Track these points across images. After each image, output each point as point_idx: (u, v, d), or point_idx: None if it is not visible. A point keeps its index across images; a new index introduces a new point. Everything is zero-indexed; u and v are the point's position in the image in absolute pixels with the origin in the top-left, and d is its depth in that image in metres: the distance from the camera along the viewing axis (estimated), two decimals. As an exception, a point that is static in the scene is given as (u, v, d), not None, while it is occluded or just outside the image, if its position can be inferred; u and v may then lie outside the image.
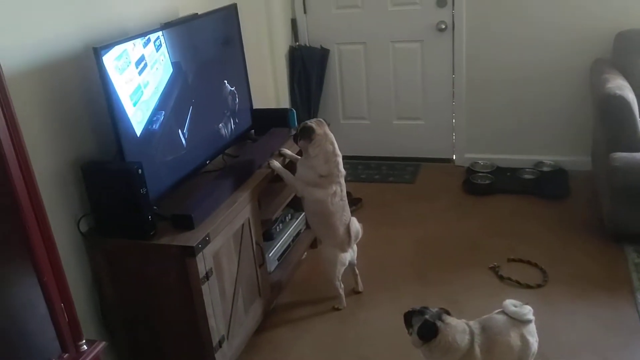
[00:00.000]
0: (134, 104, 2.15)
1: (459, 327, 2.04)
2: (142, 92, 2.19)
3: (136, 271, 2.21)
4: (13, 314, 1.53)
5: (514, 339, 2.02)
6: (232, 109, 2.89)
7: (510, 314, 2.06)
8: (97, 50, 1.97)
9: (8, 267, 1.52)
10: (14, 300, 1.53)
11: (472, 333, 2.03)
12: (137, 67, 2.17)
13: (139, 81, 2.18)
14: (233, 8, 2.89)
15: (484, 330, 2.05)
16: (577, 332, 2.50)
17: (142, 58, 2.20)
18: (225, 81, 2.83)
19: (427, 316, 2.02)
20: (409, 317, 2.08)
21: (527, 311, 2.06)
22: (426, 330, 2.01)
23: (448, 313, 2.09)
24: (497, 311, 2.11)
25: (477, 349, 2.01)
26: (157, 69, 2.29)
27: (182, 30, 2.50)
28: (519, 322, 2.05)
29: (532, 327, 2.08)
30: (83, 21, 2.23)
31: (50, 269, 1.60)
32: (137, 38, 2.18)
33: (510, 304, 2.09)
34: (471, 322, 2.09)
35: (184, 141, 2.48)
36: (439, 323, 2.01)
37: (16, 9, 1.94)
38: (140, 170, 2.02)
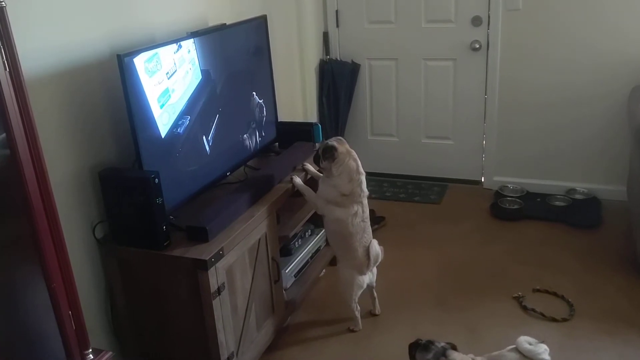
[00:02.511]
0: (161, 106, 2.16)
1: None
2: (169, 95, 2.20)
3: (148, 281, 2.19)
4: (20, 318, 1.52)
5: None
6: (258, 121, 2.87)
7: (523, 352, 1.92)
8: (120, 58, 1.97)
9: (19, 271, 1.51)
10: (22, 305, 1.52)
11: None
12: (166, 71, 2.18)
13: (168, 85, 2.19)
14: (263, 19, 2.87)
15: None
16: (602, 372, 2.39)
17: (172, 63, 2.21)
18: (254, 93, 2.82)
19: (431, 355, 1.95)
20: (413, 351, 2.01)
21: (542, 350, 1.91)
22: None
23: (454, 347, 2.02)
24: (509, 347, 1.98)
25: None
26: (186, 74, 2.29)
27: (212, 40, 2.49)
28: None
29: None
30: (111, 28, 2.23)
31: (60, 276, 1.59)
32: (163, 46, 2.18)
33: (525, 341, 1.94)
34: (478, 358, 1.98)
35: (207, 148, 2.46)
36: (443, 358, 1.94)
37: (42, 13, 1.95)
38: (156, 180, 2.00)
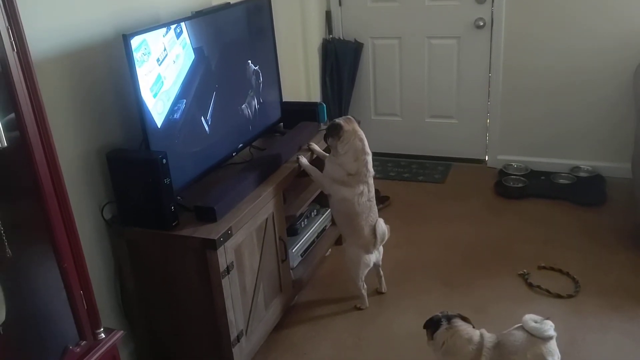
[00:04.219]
0: (154, 95, 2.10)
1: (464, 334, 1.99)
2: (162, 82, 2.13)
3: (157, 261, 2.20)
4: (33, 298, 1.53)
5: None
6: (255, 88, 2.80)
7: (529, 330, 1.93)
8: (126, 38, 1.95)
9: (30, 251, 1.52)
10: (34, 285, 1.53)
11: (480, 345, 1.96)
12: (157, 57, 2.10)
13: (159, 71, 2.12)
14: (266, -2, 2.84)
15: (497, 347, 1.95)
16: (607, 348, 2.40)
17: (161, 47, 2.12)
18: (249, 61, 2.74)
19: (440, 315, 2.06)
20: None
21: (548, 327, 1.92)
22: (429, 323, 2.06)
23: (466, 320, 2.06)
24: (516, 326, 1.99)
25: None
26: (178, 56, 2.21)
27: (211, 19, 2.44)
28: (539, 339, 1.91)
29: (553, 344, 1.93)
30: (115, 7, 2.21)
31: (70, 256, 1.60)
32: (166, 26, 2.15)
33: (530, 319, 1.95)
34: (487, 335, 2.00)
35: (207, 128, 2.42)
36: (443, 321, 2.01)
37: (48, -6, 1.93)
38: (164, 160, 2.00)
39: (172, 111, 2.20)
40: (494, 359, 1.93)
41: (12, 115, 1.40)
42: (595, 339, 2.45)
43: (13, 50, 1.38)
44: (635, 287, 2.74)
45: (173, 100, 2.21)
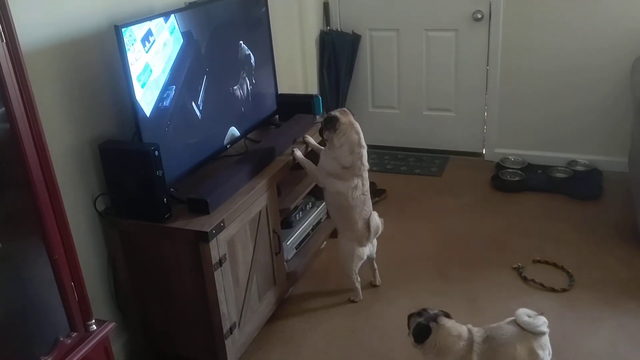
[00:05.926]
0: (143, 85, 2.06)
1: (452, 331, 1.96)
2: (150, 70, 2.09)
3: (150, 253, 2.20)
4: (23, 289, 1.53)
5: (521, 352, 1.88)
6: (248, 70, 2.76)
7: (522, 324, 1.91)
8: (118, 28, 1.94)
9: (21, 243, 1.53)
10: (25, 276, 1.53)
11: (470, 340, 1.94)
12: (143, 45, 2.06)
13: (147, 59, 2.07)
14: (262, -11, 2.82)
15: (487, 340, 1.94)
16: (601, 342, 2.40)
17: (149, 33, 2.07)
18: (242, 42, 2.69)
19: (422, 318, 1.99)
20: (409, 319, 2.06)
21: (541, 323, 1.90)
22: (419, 331, 1.99)
23: (448, 316, 2.03)
24: (508, 320, 1.98)
25: (476, 358, 1.92)
26: (166, 42, 2.16)
27: (205, 9, 2.42)
28: (531, 334, 1.90)
29: (546, 339, 1.92)
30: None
31: (61, 247, 1.60)
32: (162, 17, 2.14)
33: (524, 313, 1.93)
34: (475, 329, 1.99)
35: (198, 113, 2.38)
36: (432, 324, 1.96)
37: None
38: (156, 152, 1.99)
39: (160, 99, 2.16)
40: (483, 352, 1.92)
41: (2, 108, 1.40)
42: (589, 332, 2.45)
43: (2, 41, 1.38)
44: (630, 281, 2.74)
45: (162, 87, 2.17)
